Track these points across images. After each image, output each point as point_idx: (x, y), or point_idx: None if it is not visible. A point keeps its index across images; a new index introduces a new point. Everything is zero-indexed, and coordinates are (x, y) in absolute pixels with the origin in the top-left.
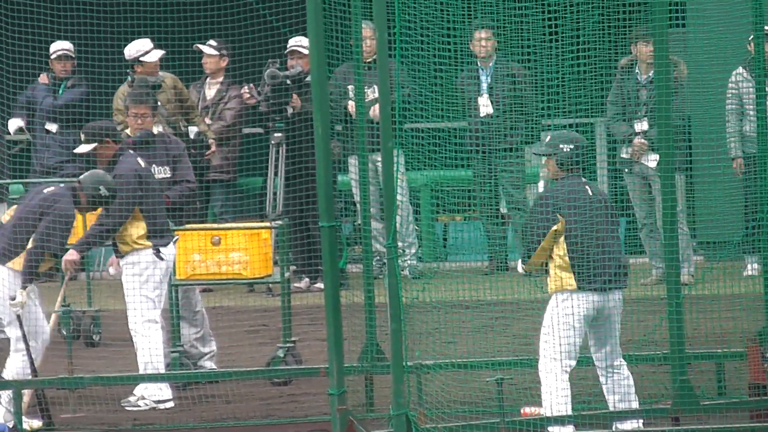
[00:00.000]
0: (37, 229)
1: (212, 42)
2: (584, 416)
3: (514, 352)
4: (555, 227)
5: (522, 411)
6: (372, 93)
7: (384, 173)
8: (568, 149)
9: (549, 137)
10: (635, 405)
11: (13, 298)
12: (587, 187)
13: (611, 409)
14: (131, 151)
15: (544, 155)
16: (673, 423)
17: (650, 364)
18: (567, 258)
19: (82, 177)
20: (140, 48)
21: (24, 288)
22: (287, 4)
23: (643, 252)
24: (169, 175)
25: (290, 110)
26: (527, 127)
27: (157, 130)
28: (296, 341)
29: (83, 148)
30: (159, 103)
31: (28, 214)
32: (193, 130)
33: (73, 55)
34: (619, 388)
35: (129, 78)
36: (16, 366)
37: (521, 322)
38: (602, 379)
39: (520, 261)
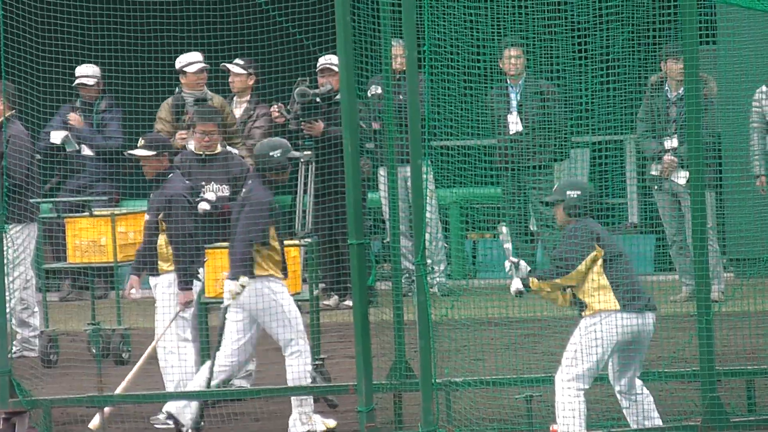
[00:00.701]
0: (239, 222)
1: (239, 61)
2: None
3: (542, 369)
4: (594, 253)
5: (551, 428)
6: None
7: (413, 190)
8: (575, 195)
9: (557, 185)
10: (658, 422)
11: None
12: (595, 227)
13: (634, 425)
14: (178, 170)
15: (551, 203)
16: None
17: (680, 381)
18: (606, 281)
19: (255, 150)
20: (189, 59)
21: (238, 279)
22: (316, 22)
23: (673, 269)
24: (227, 194)
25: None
26: (556, 145)
27: (221, 147)
28: (325, 359)
29: (139, 152)
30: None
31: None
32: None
33: (96, 79)
34: (642, 408)
35: (177, 90)
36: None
37: (550, 339)
38: (624, 403)
39: (518, 279)
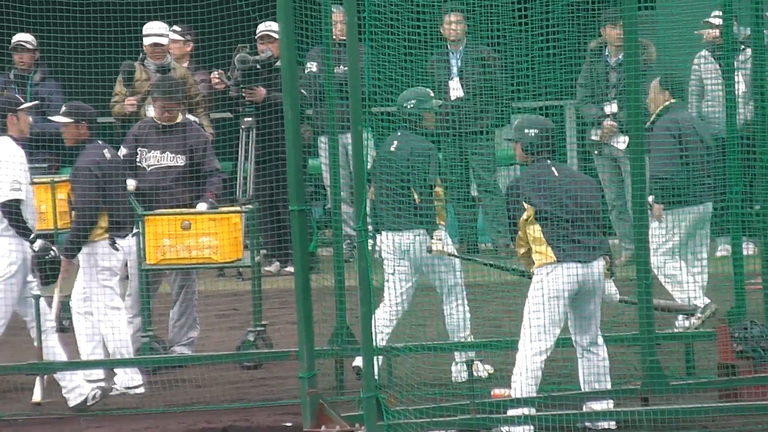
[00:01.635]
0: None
1: (176, 27)
2: (554, 397)
3: (484, 335)
4: (524, 216)
5: (492, 392)
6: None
7: (354, 156)
8: (533, 134)
9: (516, 122)
10: (608, 386)
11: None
12: (553, 168)
13: (583, 388)
14: (100, 142)
15: (510, 140)
16: (642, 403)
17: (620, 345)
18: (541, 235)
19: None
20: (149, 30)
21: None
22: None
23: (614, 233)
24: (181, 164)
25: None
26: (497, 111)
27: (181, 117)
28: (266, 325)
29: (58, 119)
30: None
31: None
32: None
33: (33, 47)
34: (595, 368)
35: (141, 56)
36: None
37: (491, 305)
38: (579, 356)
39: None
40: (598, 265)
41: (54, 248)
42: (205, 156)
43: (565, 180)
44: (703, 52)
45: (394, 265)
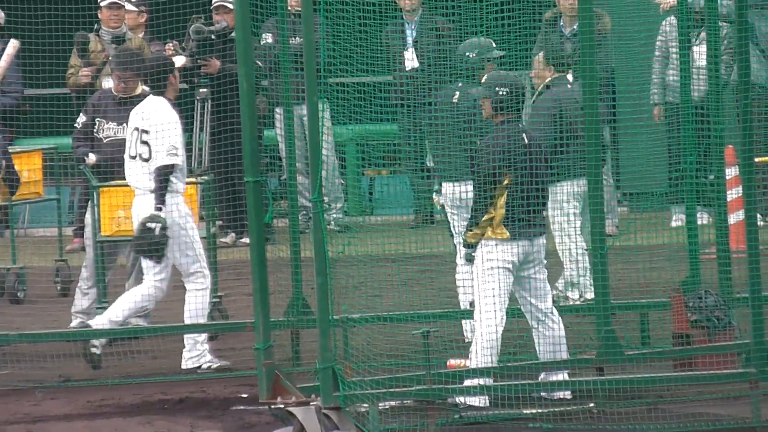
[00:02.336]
0: None
1: None
2: (510, 367)
3: (439, 305)
4: (505, 181)
5: (448, 363)
6: None
7: (309, 127)
8: (504, 93)
9: (486, 77)
10: (564, 356)
11: None
12: (524, 134)
13: (540, 357)
14: None
15: (479, 97)
16: (597, 373)
17: (575, 315)
18: (503, 209)
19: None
20: None
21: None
22: None
23: None
24: None
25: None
26: (452, 81)
27: (140, 89)
28: (222, 296)
29: None
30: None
31: None
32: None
33: None
34: (551, 339)
35: (96, 26)
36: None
37: (446, 276)
38: (533, 327)
39: (464, 248)
40: (542, 239)
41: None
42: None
43: (534, 148)
44: (671, 19)
45: (457, 217)
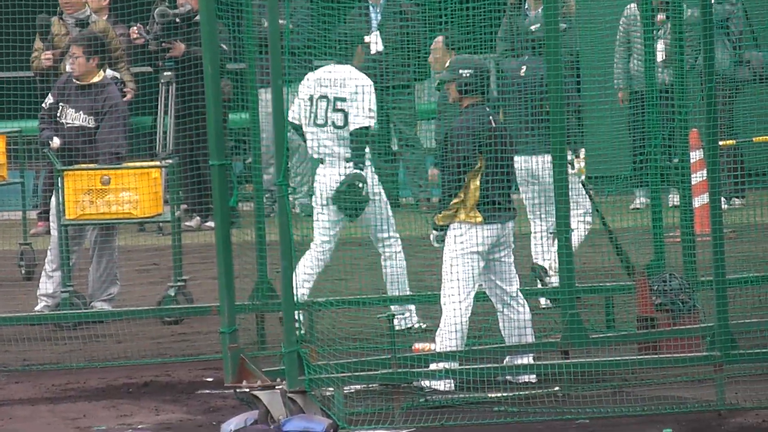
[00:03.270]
0: None
1: None
2: (475, 351)
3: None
4: (478, 165)
5: (413, 347)
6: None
7: (273, 111)
8: (469, 74)
9: (450, 61)
10: (529, 340)
11: None
12: (491, 117)
13: (505, 340)
14: None
15: (444, 80)
16: (562, 356)
17: (540, 298)
18: (478, 192)
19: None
20: None
21: None
22: None
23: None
24: (91, 126)
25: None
26: (417, 65)
27: (102, 76)
28: (187, 280)
29: None
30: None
31: None
32: (109, 74)
33: None
34: (516, 323)
35: (59, 10)
36: None
37: (413, 259)
38: (499, 311)
39: (434, 233)
40: (512, 224)
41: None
42: (111, 121)
43: (499, 132)
44: (632, 6)
45: (527, 191)
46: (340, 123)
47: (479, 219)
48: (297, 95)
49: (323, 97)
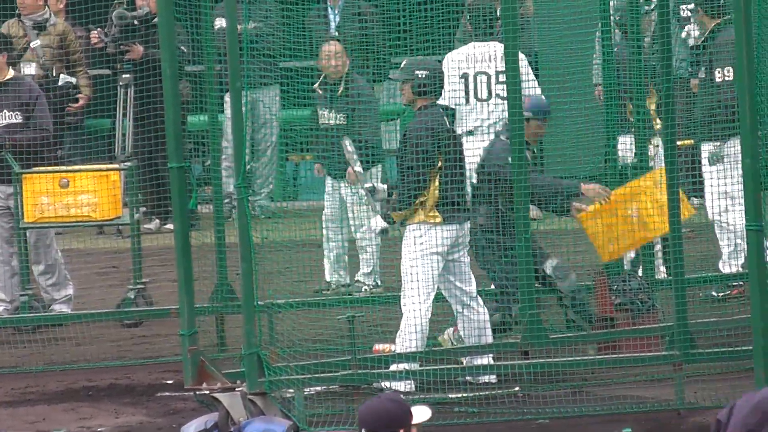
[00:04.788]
0: None
1: None
2: (435, 352)
3: (366, 291)
4: (439, 164)
5: (374, 348)
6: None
7: (232, 113)
8: (424, 75)
9: (405, 62)
10: (489, 340)
11: None
12: (445, 118)
13: (464, 341)
14: None
15: (398, 80)
16: (522, 357)
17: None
18: (438, 192)
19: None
20: None
21: None
22: None
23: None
24: (19, 120)
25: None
26: (376, 66)
27: (12, 73)
28: (147, 283)
29: None
30: (36, 44)
31: None
32: (63, 78)
33: None
34: (476, 323)
35: (17, 12)
36: None
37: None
38: (458, 312)
39: (379, 218)
40: (468, 224)
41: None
42: (35, 111)
43: (454, 134)
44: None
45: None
46: (504, 94)
47: (438, 219)
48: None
49: (482, 72)
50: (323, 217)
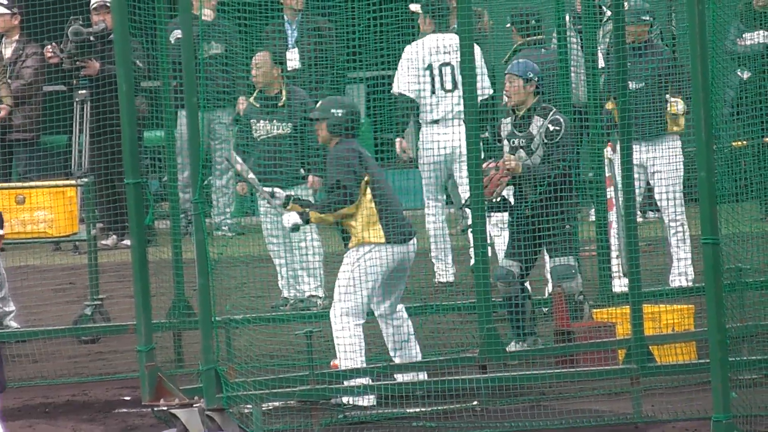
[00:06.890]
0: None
1: (2, 0)
2: (392, 366)
3: (324, 307)
4: (366, 178)
5: (332, 363)
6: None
7: (189, 129)
8: (340, 113)
9: (321, 102)
10: (416, 349)
11: None
12: (361, 150)
13: (393, 353)
14: None
15: (314, 119)
16: (480, 371)
17: (458, 313)
18: (375, 211)
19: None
20: None
21: None
22: None
23: (452, 202)
24: None
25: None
26: (333, 80)
27: None
28: (104, 299)
29: None
30: None
31: None
32: None
33: None
34: (405, 331)
35: None
36: None
37: (330, 275)
38: (384, 326)
39: (294, 213)
40: (413, 243)
41: None
42: None
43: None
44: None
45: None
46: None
47: (382, 239)
48: (400, 69)
49: (446, 64)
50: (264, 233)
